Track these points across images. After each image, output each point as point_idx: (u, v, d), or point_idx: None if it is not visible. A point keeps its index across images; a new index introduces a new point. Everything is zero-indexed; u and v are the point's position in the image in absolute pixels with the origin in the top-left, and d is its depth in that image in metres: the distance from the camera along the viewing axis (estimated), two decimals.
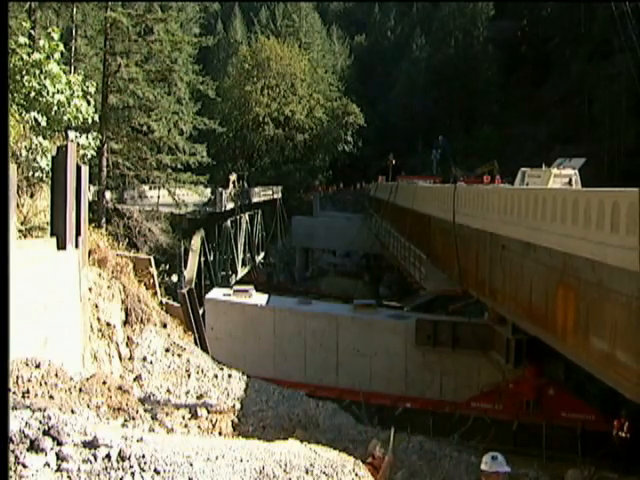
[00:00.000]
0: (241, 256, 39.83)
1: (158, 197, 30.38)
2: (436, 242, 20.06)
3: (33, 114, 8.59)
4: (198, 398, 10.36)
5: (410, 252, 22.00)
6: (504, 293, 13.03)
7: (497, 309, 14.52)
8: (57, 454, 3.85)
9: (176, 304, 13.80)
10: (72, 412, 5.11)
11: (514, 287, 12.32)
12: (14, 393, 5.37)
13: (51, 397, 5.65)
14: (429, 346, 17.17)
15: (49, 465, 3.77)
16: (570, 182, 19.66)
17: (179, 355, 11.44)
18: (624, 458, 13.34)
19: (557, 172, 20.18)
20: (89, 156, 10.29)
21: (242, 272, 38.66)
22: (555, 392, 15.61)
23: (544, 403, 15.70)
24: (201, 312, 16.63)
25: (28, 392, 5.54)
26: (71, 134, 9.38)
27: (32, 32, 17.06)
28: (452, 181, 25.69)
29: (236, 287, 20.72)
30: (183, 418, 9.14)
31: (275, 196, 50.63)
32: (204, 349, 13.11)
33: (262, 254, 46.62)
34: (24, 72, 8.79)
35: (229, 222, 36.91)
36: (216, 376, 11.55)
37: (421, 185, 30.16)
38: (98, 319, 9.59)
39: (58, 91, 8.93)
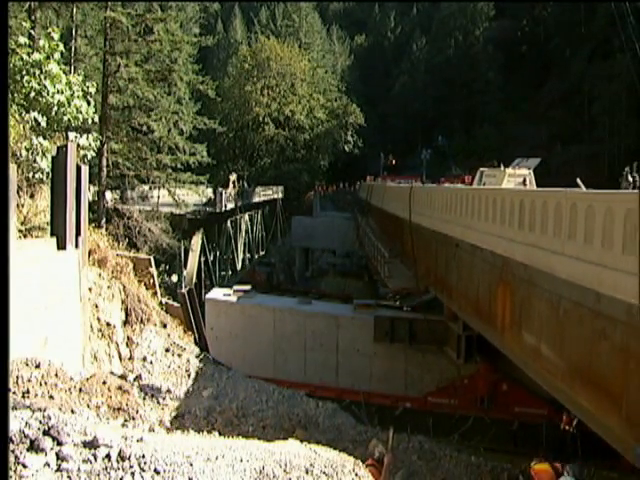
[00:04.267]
0: (241, 256, 39.83)
1: (158, 197, 30.39)
2: (406, 241, 20.21)
3: (33, 114, 8.58)
4: (198, 398, 10.36)
5: (378, 251, 22.01)
6: (457, 290, 13.17)
7: (450, 306, 14.66)
8: (57, 454, 3.85)
9: (176, 304, 13.78)
10: (72, 412, 5.11)
11: (465, 285, 12.45)
12: (14, 393, 5.37)
13: (51, 397, 5.66)
14: (387, 342, 17.27)
15: (49, 465, 3.77)
16: (524, 182, 19.68)
17: (179, 355, 11.45)
18: (572, 453, 13.27)
19: (511, 172, 20.30)
20: (89, 157, 10.28)
21: (242, 272, 38.66)
22: (508, 387, 15.70)
23: (498, 398, 15.85)
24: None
25: (28, 392, 5.54)
26: (71, 135, 9.38)
27: (32, 32, 16.99)
28: (415, 181, 26.04)
29: (236, 287, 20.62)
30: (183, 418, 9.14)
31: (275, 196, 50.60)
32: (204, 349, 13.10)
33: (262, 254, 46.62)
34: (24, 72, 8.77)
35: (229, 222, 36.90)
36: (216, 376, 11.56)
37: (388, 185, 30.28)
38: (98, 319, 9.59)
39: (58, 91, 8.92)
